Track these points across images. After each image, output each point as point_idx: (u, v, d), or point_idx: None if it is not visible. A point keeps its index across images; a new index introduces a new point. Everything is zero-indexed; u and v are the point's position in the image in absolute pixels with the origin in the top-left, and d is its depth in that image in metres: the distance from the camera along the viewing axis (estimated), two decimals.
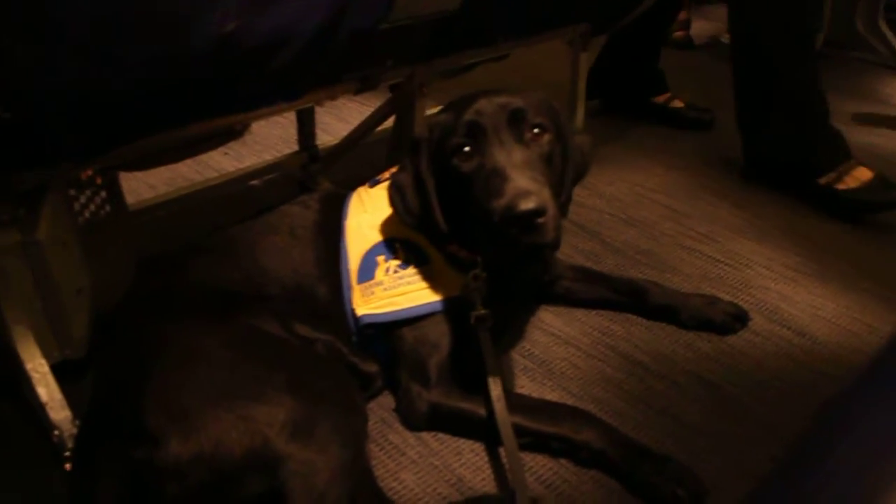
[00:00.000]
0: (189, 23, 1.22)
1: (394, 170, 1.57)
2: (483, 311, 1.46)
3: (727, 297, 1.90)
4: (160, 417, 1.18)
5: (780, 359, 1.75)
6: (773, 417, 1.57)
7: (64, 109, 1.22)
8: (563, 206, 1.49)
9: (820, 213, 2.37)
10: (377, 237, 1.57)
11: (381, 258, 1.55)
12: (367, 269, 1.55)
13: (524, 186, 1.28)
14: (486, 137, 1.37)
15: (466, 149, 1.39)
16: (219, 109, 1.54)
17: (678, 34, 4.00)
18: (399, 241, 1.56)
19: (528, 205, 1.24)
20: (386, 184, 1.56)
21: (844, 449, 0.92)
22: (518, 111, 1.38)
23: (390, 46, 1.70)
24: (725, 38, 3.92)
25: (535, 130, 1.39)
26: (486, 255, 1.50)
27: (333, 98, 1.82)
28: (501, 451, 1.46)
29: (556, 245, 1.32)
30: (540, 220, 1.26)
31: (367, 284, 1.54)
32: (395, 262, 1.54)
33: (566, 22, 2.36)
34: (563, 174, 1.47)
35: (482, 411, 1.46)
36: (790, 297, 1.97)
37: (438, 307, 1.53)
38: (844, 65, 3.84)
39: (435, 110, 2.57)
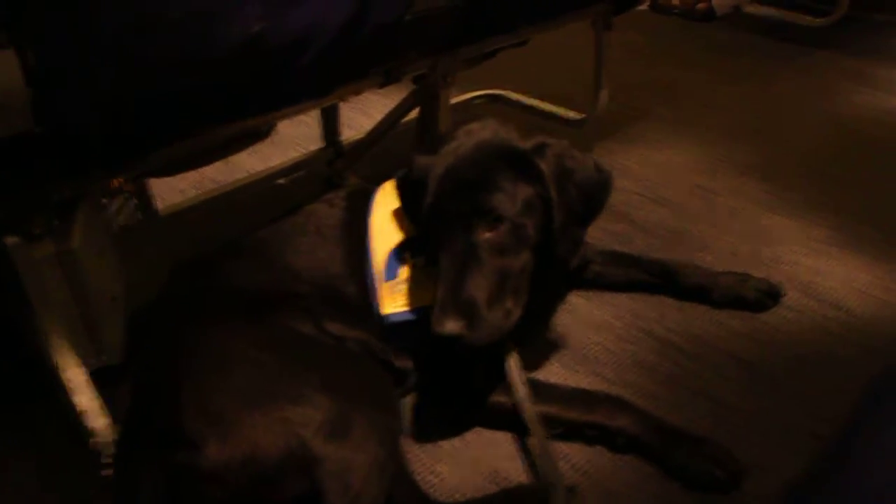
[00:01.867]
0: (216, 26, 1.24)
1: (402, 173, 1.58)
2: None
3: (759, 274, 1.88)
4: (197, 422, 1.19)
5: (816, 333, 1.74)
6: (811, 393, 1.57)
7: (96, 119, 1.23)
8: (565, 255, 1.49)
9: (847, 184, 2.34)
10: (402, 235, 1.57)
11: (406, 256, 1.55)
12: (393, 267, 1.54)
13: (446, 309, 1.32)
14: (439, 226, 1.39)
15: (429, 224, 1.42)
16: (247, 111, 1.55)
17: (701, 5, 3.94)
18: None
19: (442, 331, 1.30)
20: None
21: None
22: (472, 203, 1.37)
23: (413, 38, 1.69)
24: (748, 8, 3.87)
25: (492, 222, 1.37)
26: None
27: (358, 93, 1.82)
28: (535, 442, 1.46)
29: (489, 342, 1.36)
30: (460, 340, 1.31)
31: (392, 283, 1.53)
32: (420, 260, 1.54)
33: (589, 1, 2.33)
34: (548, 235, 1.43)
35: (512, 405, 1.46)
36: (822, 270, 1.95)
37: None
38: (871, 26, 3.77)
39: (459, 99, 2.59)
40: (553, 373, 1.65)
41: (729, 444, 1.39)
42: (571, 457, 1.44)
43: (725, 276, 1.85)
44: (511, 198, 1.38)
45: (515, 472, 1.43)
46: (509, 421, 1.48)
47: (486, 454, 1.47)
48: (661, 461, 1.40)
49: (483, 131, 1.44)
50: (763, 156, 2.54)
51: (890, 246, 2.03)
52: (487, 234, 1.37)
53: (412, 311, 1.51)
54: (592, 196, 1.47)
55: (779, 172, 2.43)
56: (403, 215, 1.56)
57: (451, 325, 1.30)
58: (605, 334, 1.76)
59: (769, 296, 1.82)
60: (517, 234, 1.38)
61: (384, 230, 1.58)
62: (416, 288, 1.52)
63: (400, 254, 1.54)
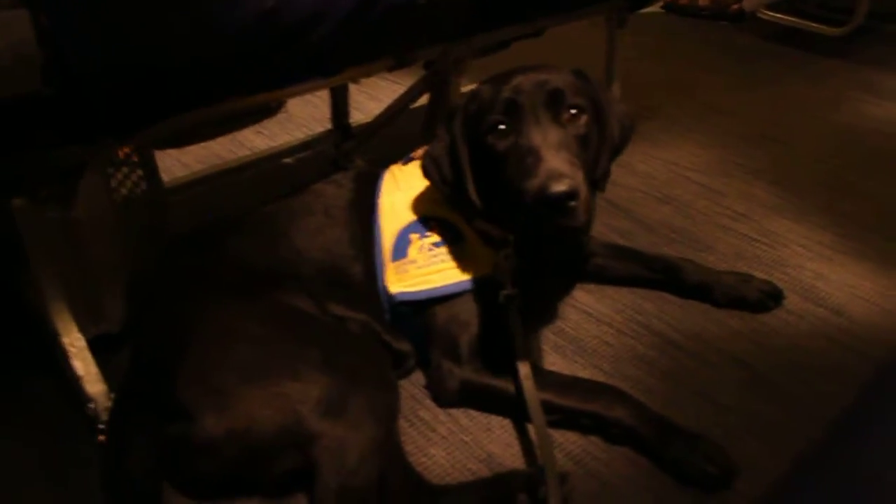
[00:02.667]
0: None
1: (427, 147, 1.57)
2: (512, 291, 1.46)
3: (762, 276, 1.88)
4: (195, 393, 1.20)
5: (816, 338, 1.73)
6: (807, 397, 1.56)
7: (106, 84, 1.23)
8: (599, 181, 1.49)
9: (856, 193, 2.34)
10: (411, 215, 1.57)
11: (414, 236, 1.55)
12: (401, 247, 1.55)
13: (558, 168, 1.28)
14: (523, 116, 1.38)
15: (502, 126, 1.39)
16: (257, 85, 1.55)
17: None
18: (433, 220, 1.56)
19: (560, 187, 1.25)
20: (419, 161, 1.57)
21: (885, 430, 0.91)
22: (556, 92, 1.38)
23: (427, 21, 1.69)
24: (763, 14, 3.87)
25: (573, 112, 1.39)
26: (517, 234, 1.49)
27: (369, 75, 1.82)
28: (531, 427, 1.46)
29: (586, 228, 1.32)
30: (572, 203, 1.27)
31: (400, 262, 1.54)
32: (428, 241, 1.54)
33: None
34: (598, 151, 1.46)
35: (512, 388, 1.45)
36: (826, 276, 1.94)
37: (471, 286, 1.53)
38: (883, 37, 3.76)
39: (468, 88, 2.58)
40: (551, 363, 1.65)
41: (723, 442, 1.38)
42: (566, 445, 1.44)
43: (728, 275, 1.84)
44: (585, 97, 1.42)
45: (510, 457, 1.43)
46: (506, 404, 1.48)
47: (481, 439, 1.47)
48: (655, 454, 1.39)
49: None
50: (772, 160, 2.53)
51: (895, 255, 2.02)
52: (573, 123, 1.39)
53: (419, 290, 1.53)
54: (624, 125, 1.53)
55: (787, 177, 2.42)
56: (430, 195, 1.58)
57: (568, 182, 1.26)
58: (605, 327, 1.76)
59: (771, 297, 1.81)
60: (591, 133, 1.42)
61: (393, 211, 1.58)
62: (425, 268, 1.53)
63: (412, 232, 1.56)
